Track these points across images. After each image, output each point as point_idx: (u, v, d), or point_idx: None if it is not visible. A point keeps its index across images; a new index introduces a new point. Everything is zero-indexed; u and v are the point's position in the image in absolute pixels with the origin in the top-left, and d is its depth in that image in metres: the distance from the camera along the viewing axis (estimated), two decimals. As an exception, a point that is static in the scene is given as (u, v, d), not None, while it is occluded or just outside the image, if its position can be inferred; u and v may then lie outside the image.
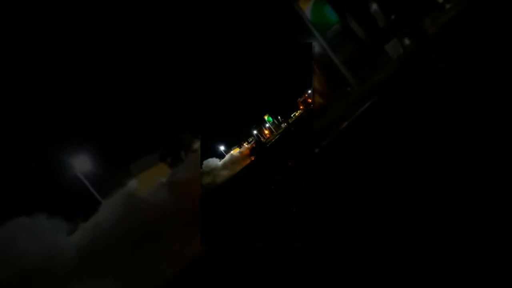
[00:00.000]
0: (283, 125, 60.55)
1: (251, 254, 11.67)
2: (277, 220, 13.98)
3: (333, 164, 14.02)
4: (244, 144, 52.14)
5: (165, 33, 25.77)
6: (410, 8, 26.19)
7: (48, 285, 15.10)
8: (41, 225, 16.34)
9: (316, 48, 29.86)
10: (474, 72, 12.27)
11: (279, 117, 61.78)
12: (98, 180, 23.04)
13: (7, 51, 21.33)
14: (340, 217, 10.51)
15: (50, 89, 22.88)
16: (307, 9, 28.73)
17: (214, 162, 44.34)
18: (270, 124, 61.03)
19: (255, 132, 57.96)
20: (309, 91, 46.61)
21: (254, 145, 51.25)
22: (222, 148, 48.83)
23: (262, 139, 57.41)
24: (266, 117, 60.80)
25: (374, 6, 28.25)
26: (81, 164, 23.09)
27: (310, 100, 44.90)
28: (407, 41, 26.27)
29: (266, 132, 60.16)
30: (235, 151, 48.33)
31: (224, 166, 43.99)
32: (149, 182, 22.18)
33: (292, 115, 61.31)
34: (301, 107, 58.40)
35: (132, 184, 23.05)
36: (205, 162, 42.21)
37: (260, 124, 60.28)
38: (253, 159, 46.41)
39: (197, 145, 25.83)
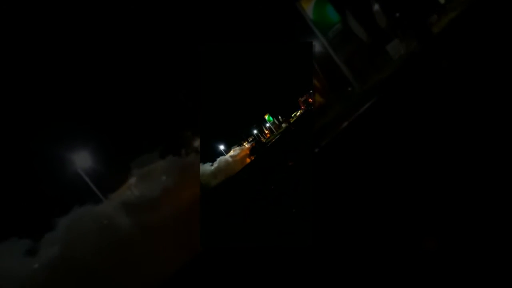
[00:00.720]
0: (283, 125, 60.47)
1: (251, 255, 11.65)
2: (277, 221, 13.96)
3: (333, 164, 14.02)
4: (245, 143, 52.02)
5: (166, 32, 25.78)
6: (412, 8, 26.13)
7: None
8: None
9: (317, 47, 29.83)
10: (476, 72, 12.27)
11: (279, 117, 61.70)
12: (98, 177, 23.08)
13: (9, 49, 21.37)
14: (341, 218, 10.52)
15: (52, 87, 22.92)
16: (308, 9, 28.69)
17: (213, 162, 44.26)
18: (271, 123, 60.94)
19: (255, 131, 57.88)
20: (310, 91, 46.64)
21: (254, 145, 51.13)
22: (222, 147, 48.69)
23: (262, 139, 57.34)
24: (266, 117, 60.73)
25: (376, 6, 28.20)
26: (82, 161, 23.12)
27: (311, 100, 44.85)
28: (408, 42, 26.22)
29: (267, 131, 60.06)
30: (235, 151, 48.13)
31: (224, 166, 43.79)
32: (149, 179, 22.17)
33: (293, 115, 61.20)
34: (302, 107, 58.31)
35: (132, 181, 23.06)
36: (206, 163, 42.14)
37: (261, 123, 60.20)
38: (253, 159, 46.33)
39: (197, 143, 25.83)
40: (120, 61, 24.64)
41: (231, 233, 15.84)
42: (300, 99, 58.19)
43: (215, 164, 43.54)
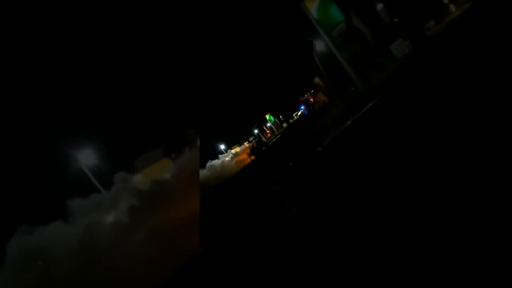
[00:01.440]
0: (284, 125, 60.10)
1: (251, 256, 11.65)
2: (277, 222, 13.87)
3: (336, 163, 14.04)
4: (245, 143, 51.63)
5: (170, 30, 25.85)
6: (415, 9, 26.18)
7: None
8: None
9: (321, 46, 29.90)
10: (478, 72, 12.28)
11: (280, 116, 61.29)
12: (102, 174, 23.18)
13: (17, 50, 21.54)
14: (343, 217, 10.51)
15: (57, 86, 23.04)
16: (312, 8, 28.79)
17: (213, 162, 43.89)
18: (272, 123, 60.51)
19: (256, 131, 57.50)
20: (311, 90, 46.40)
21: (255, 144, 50.73)
22: (222, 146, 48.32)
23: (263, 139, 56.93)
24: (267, 116, 60.28)
25: (380, 6, 28.24)
26: (86, 158, 23.24)
27: (312, 100, 44.63)
28: (412, 41, 26.26)
29: (267, 131, 59.66)
30: (236, 150, 47.68)
31: (224, 166, 43.42)
32: (153, 177, 22.22)
33: (294, 115, 60.83)
34: (303, 106, 57.91)
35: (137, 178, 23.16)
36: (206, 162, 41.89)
37: (262, 123, 59.78)
38: (253, 158, 45.97)
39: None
40: (125, 60, 24.74)
41: (231, 234, 15.74)
42: (301, 98, 57.83)
43: (216, 164, 43.33)
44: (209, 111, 49.15)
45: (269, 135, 58.91)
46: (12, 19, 21.29)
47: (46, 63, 22.81)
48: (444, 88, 13.03)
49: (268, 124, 60.13)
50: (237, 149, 48.06)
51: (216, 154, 46.14)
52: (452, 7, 26.44)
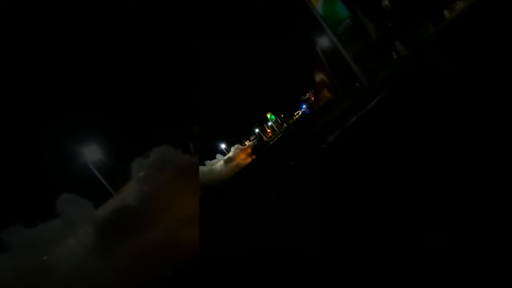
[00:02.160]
0: (285, 124, 59.86)
1: (250, 257, 11.58)
2: (277, 222, 13.77)
3: (341, 159, 14.03)
4: (246, 142, 51.38)
5: (176, 28, 25.91)
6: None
7: None
8: None
9: (326, 43, 29.87)
10: (483, 69, 12.25)
11: (282, 115, 61.01)
12: (108, 170, 23.29)
13: (26, 49, 21.70)
14: (347, 215, 10.49)
15: (65, 83, 23.18)
16: (318, 4, 28.73)
17: (213, 162, 43.59)
18: (273, 122, 60.26)
19: (257, 130, 57.31)
20: (313, 90, 46.11)
21: (256, 144, 50.47)
22: (223, 146, 48.08)
23: (264, 138, 56.73)
24: (268, 115, 60.03)
25: (385, 2, 28.16)
26: (92, 154, 23.33)
27: (314, 99, 44.36)
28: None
29: (269, 130, 59.43)
30: (236, 149, 47.34)
31: (224, 166, 43.11)
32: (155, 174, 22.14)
33: (295, 113, 60.52)
34: (304, 105, 57.59)
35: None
36: (206, 162, 41.64)
37: (263, 122, 59.55)
38: (254, 158, 45.72)
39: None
40: (133, 57, 24.85)
41: (230, 234, 15.63)
42: (302, 97, 57.42)
43: (216, 163, 43.03)
44: (209, 110, 49.07)
45: (270, 134, 58.72)
46: (20, 18, 21.42)
47: (55, 63, 22.98)
48: (449, 84, 13.01)
49: (269, 123, 59.89)
50: (238, 148, 47.72)
51: (216, 153, 45.97)
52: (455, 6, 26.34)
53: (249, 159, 45.86)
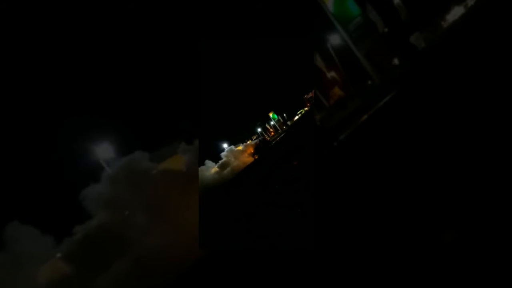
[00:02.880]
0: (289, 123, 59.49)
1: (250, 257, 11.57)
2: (279, 222, 13.69)
3: (353, 156, 14.02)
4: (248, 142, 51.10)
5: (184, 27, 25.99)
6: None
7: None
8: None
9: (337, 40, 29.80)
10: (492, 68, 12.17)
11: (284, 115, 60.63)
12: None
13: (40, 48, 21.92)
14: (358, 212, 10.48)
15: (75, 81, 23.35)
16: (329, 2, 28.70)
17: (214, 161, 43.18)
18: (275, 121, 59.90)
19: (259, 129, 57.04)
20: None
21: (258, 143, 50.14)
22: (225, 145, 47.73)
23: (266, 137, 56.43)
24: (271, 115, 59.70)
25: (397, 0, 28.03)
26: (103, 152, 23.48)
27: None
28: (428, 35, 26.02)
29: (271, 130, 59.10)
30: (238, 149, 46.86)
31: (225, 165, 42.66)
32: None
33: (298, 112, 60.09)
34: (308, 104, 57.07)
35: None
36: (206, 162, 41.25)
37: (265, 121, 59.20)
38: (256, 157, 45.41)
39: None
40: (143, 55, 24.97)
41: (230, 235, 15.57)
42: (305, 96, 56.84)
43: (217, 163, 42.68)
44: (209, 109, 48.92)
45: (272, 133, 58.44)
46: (27, 17, 21.62)
47: (70, 59, 23.19)
48: (461, 82, 12.93)
49: (272, 123, 59.55)
50: (240, 148, 47.33)
51: (218, 152, 45.66)
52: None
53: (252, 159, 45.54)
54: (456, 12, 25.85)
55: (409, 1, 27.53)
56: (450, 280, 7.05)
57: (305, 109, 58.43)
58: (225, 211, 21.87)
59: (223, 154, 44.42)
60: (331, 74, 31.33)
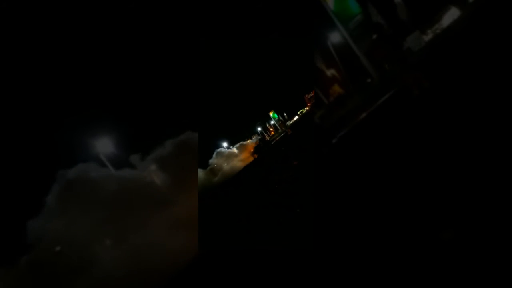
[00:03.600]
0: (288, 123, 59.30)
1: (250, 258, 11.63)
2: (279, 223, 13.67)
3: (351, 155, 14.07)
4: (248, 141, 50.92)
5: (184, 27, 25.98)
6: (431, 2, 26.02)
7: None
8: None
9: (338, 38, 29.83)
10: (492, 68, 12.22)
11: (285, 114, 60.43)
12: (120, 164, 23.48)
13: (43, 46, 21.97)
14: (357, 211, 10.51)
15: (77, 77, 23.40)
16: (329, 0, 28.73)
17: (214, 161, 42.82)
18: (275, 121, 59.66)
19: (259, 129, 56.83)
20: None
21: (258, 143, 49.97)
22: (225, 145, 47.60)
23: (266, 137, 56.25)
24: (271, 114, 59.51)
25: (397, -1, 28.05)
26: (104, 148, 23.55)
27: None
28: (429, 34, 26.06)
29: (271, 129, 58.86)
30: (238, 148, 46.59)
31: (225, 165, 42.32)
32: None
33: (299, 112, 59.92)
34: (308, 104, 56.76)
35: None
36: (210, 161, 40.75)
37: (265, 121, 58.95)
38: (256, 157, 45.25)
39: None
40: (145, 52, 25.00)
41: (230, 236, 15.49)
42: (306, 96, 56.43)
43: (216, 162, 42.35)
44: (209, 109, 48.76)
45: (272, 133, 58.26)
46: (27, 16, 21.66)
47: (73, 56, 23.22)
48: (461, 81, 12.99)
49: (272, 122, 59.36)
50: (240, 147, 47.10)
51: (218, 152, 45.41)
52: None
53: (251, 158, 45.36)
54: (456, 12, 25.89)
55: (409, 0, 27.57)
56: (450, 279, 7.11)
57: (305, 108, 58.20)
58: (225, 211, 21.80)
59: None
60: (331, 72, 31.36)
